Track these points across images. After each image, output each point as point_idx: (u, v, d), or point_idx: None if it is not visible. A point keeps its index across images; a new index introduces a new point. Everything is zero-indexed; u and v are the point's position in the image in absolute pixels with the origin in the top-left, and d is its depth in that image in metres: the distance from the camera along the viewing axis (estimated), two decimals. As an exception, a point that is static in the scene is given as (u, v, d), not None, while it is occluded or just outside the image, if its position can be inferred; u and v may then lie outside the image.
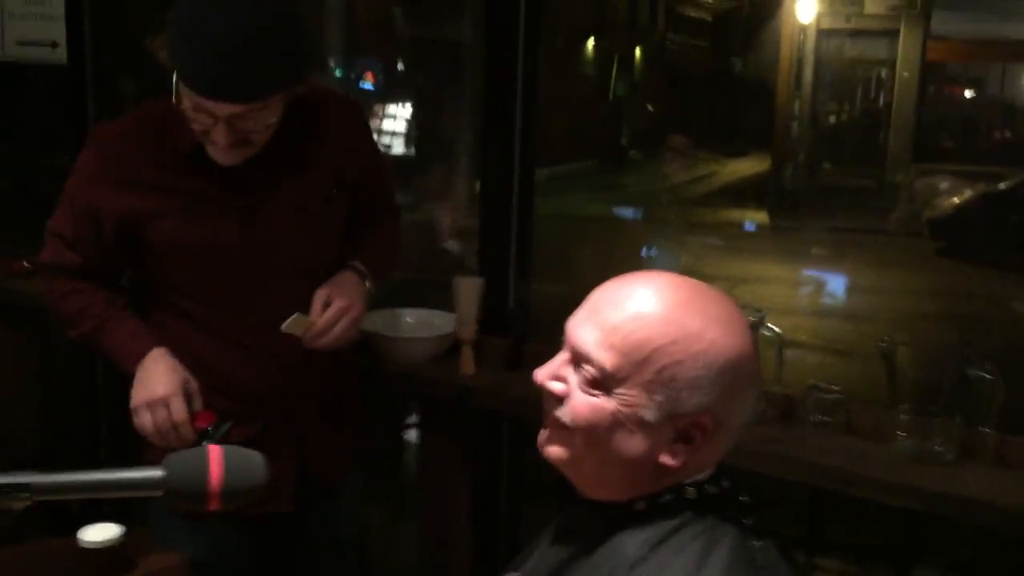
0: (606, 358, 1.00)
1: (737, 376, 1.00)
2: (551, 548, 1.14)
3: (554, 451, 1.07)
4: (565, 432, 1.05)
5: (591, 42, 16.16)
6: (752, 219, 11.69)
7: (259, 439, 1.66)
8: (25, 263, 2.73)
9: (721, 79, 17.65)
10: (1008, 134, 14.68)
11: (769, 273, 8.84)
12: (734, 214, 12.06)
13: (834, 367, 5.58)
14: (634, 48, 17.94)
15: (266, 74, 1.50)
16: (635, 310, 1.00)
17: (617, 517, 1.05)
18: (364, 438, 1.92)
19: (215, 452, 1.07)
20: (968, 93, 16.29)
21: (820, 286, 8.26)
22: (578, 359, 1.03)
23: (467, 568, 2.15)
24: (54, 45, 3.13)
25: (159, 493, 1.06)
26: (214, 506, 1.07)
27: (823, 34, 13.92)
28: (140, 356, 1.65)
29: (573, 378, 1.04)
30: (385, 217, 1.90)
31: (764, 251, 9.95)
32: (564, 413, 1.04)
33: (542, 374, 1.07)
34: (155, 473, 1.05)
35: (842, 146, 14.32)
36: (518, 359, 2.02)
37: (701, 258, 9.24)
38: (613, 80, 17.03)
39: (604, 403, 1.01)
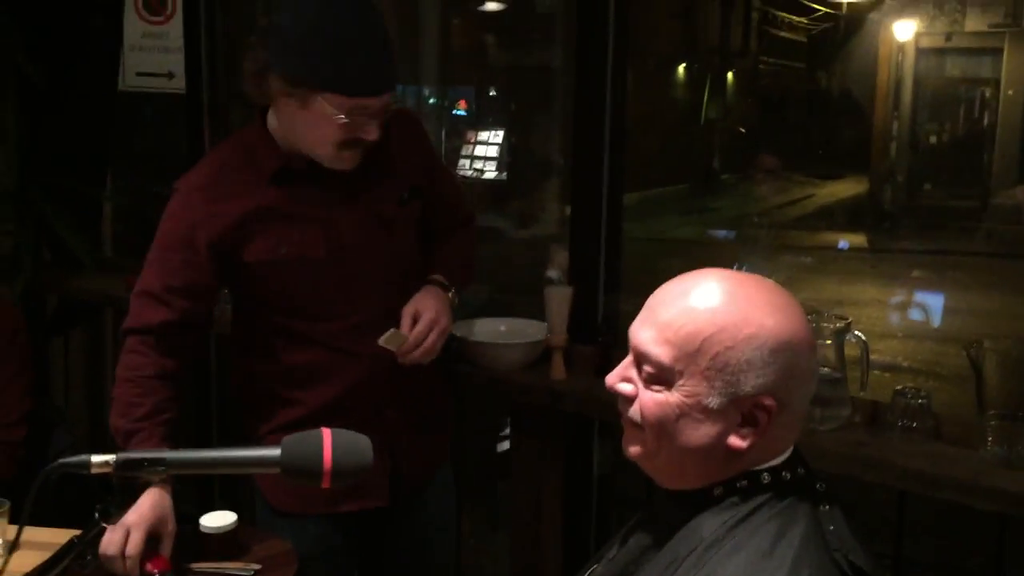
0: (662, 353, 1.07)
1: (791, 356, 1.05)
2: (633, 536, 1.20)
3: (632, 450, 1.13)
4: (638, 430, 1.11)
5: (683, 66, 16.13)
6: (849, 241, 11.49)
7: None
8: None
9: (816, 100, 17.37)
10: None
11: (866, 295, 8.67)
12: (830, 236, 11.86)
13: (933, 390, 5.45)
14: (726, 71, 17.82)
15: (394, 57, 1.63)
16: (684, 305, 1.07)
17: (695, 503, 1.10)
18: (450, 436, 1.99)
19: (327, 434, 1.17)
20: (1078, 110, 15.66)
21: (918, 309, 8.06)
22: (640, 359, 1.10)
23: (558, 572, 2.21)
24: (170, 75, 3.35)
25: (276, 470, 1.16)
26: (326, 484, 1.17)
27: (922, 53, 13.61)
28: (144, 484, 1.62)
29: (638, 379, 1.11)
30: (459, 224, 1.96)
31: (861, 273, 9.76)
32: (634, 412, 1.11)
33: (611, 378, 1.14)
34: (274, 452, 1.16)
35: (943, 167, 13.93)
36: (606, 366, 2.08)
37: (796, 280, 9.12)
38: (705, 103, 16.95)
39: (668, 397, 1.07)
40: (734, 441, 1.06)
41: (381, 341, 1.71)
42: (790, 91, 18.11)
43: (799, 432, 1.12)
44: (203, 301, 1.74)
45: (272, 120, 1.72)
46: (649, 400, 1.09)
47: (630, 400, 1.11)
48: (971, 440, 1.67)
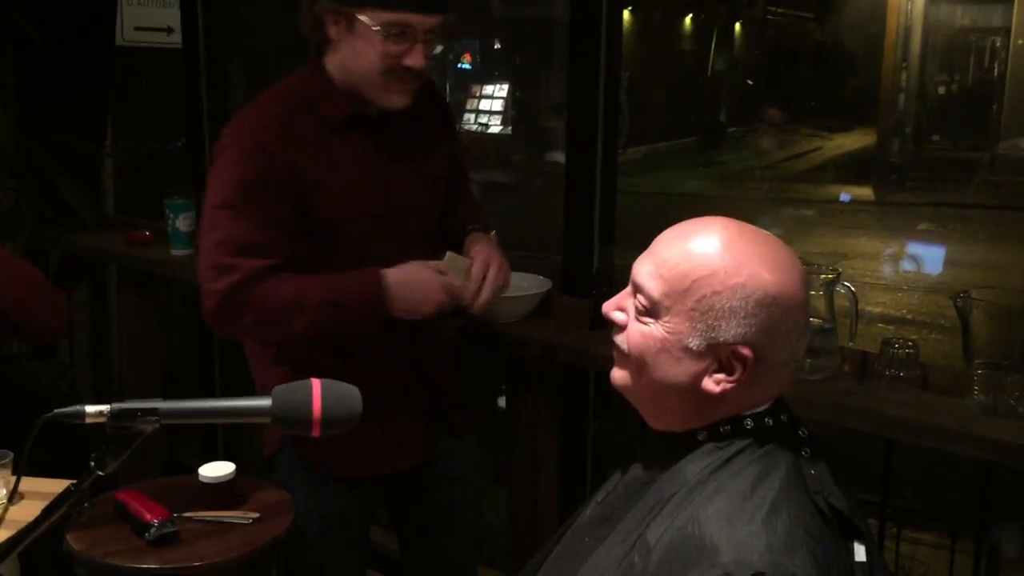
0: (654, 287, 1.10)
1: (776, 311, 1.07)
2: (623, 479, 1.23)
3: (616, 375, 1.18)
4: (624, 358, 1.15)
5: (689, 16, 15.95)
6: (856, 194, 11.44)
7: (398, 399, 1.76)
8: (147, 232, 2.95)
9: (824, 52, 17.17)
10: None
11: (873, 248, 8.66)
12: (838, 189, 11.81)
13: (939, 343, 5.49)
14: (734, 22, 17.61)
15: None
16: (684, 246, 1.10)
17: (681, 446, 1.13)
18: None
19: (316, 384, 1.19)
20: (1090, 60, 15.46)
21: (925, 262, 8.05)
22: (635, 290, 1.14)
23: (554, 522, 2.25)
24: (169, 30, 3.35)
25: (267, 419, 1.19)
26: (316, 432, 1.19)
27: (931, 1, 13.42)
28: (380, 285, 1.64)
29: (632, 309, 1.14)
30: (466, 180, 1.99)
31: (867, 226, 9.74)
32: (621, 340, 1.15)
33: (607, 305, 1.18)
34: (264, 402, 1.18)
35: (952, 118, 13.81)
36: (600, 319, 2.10)
37: (800, 232, 9.11)
38: (712, 55, 16.79)
39: (653, 331, 1.11)
40: (708, 385, 1.09)
41: (446, 261, 1.70)
42: (798, 42, 17.90)
43: (789, 385, 1.13)
44: (292, 248, 1.64)
45: (331, 64, 1.67)
46: (636, 331, 1.13)
47: (621, 329, 1.15)
48: (958, 389, 1.70)
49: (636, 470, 1.21)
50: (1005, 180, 10.90)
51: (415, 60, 1.60)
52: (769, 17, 17.98)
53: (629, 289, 1.15)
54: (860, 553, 1.10)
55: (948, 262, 7.70)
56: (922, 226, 9.43)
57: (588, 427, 2.28)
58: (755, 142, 15.68)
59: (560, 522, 2.20)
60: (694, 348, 1.08)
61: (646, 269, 1.12)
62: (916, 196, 11.05)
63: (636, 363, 1.13)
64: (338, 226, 1.66)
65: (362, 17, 1.56)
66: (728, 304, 1.07)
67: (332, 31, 1.62)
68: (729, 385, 1.08)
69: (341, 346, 1.70)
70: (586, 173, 2.22)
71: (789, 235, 8.79)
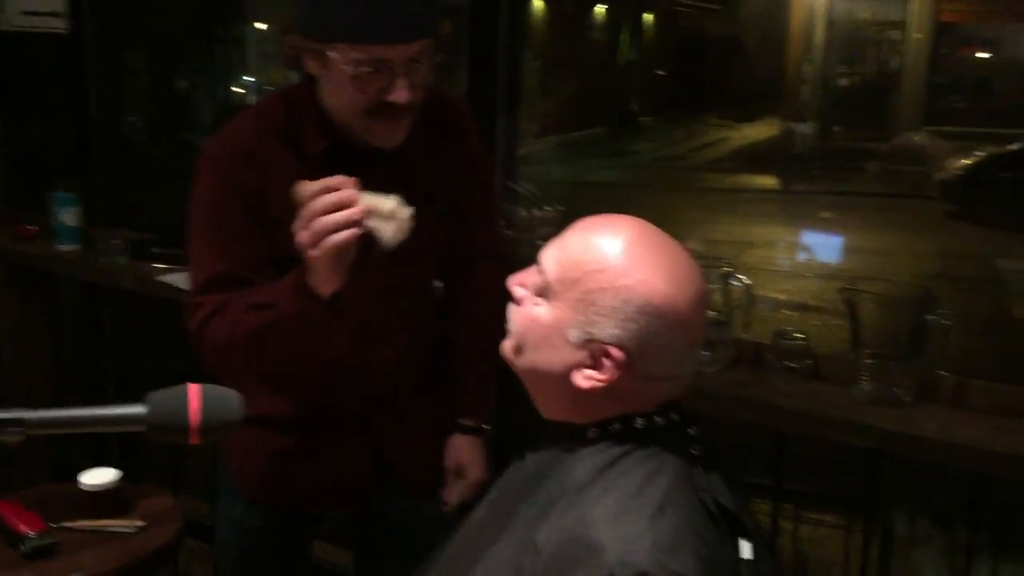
0: (551, 270, 1.11)
1: (657, 322, 1.06)
2: (515, 475, 1.23)
3: (504, 346, 1.18)
4: (511, 333, 1.16)
5: (601, 7, 16.08)
6: (762, 183, 11.70)
7: (330, 442, 1.62)
8: (28, 227, 2.82)
9: (732, 43, 17.50)
10: (1020, 94, 14.53)
11: (776, 236, 8.86)
12: (744, 179, 12.06)
13: (840, 328, 5.64)
14: (644, 13, 17.83)
15: (424, 4, 1.42)
16: (588, 238, 1.10)
17: (572, 442, 1.13)
18: None
19: (193, 389, 1.15)
20: (981, 54, 16.11)
21: (827, 249, 8.28)
22: (538, 269, 1.14)
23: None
24: (58, 15, 3.20)
25: (142, 428, 1.14)
26: (194, 440, 1.14)
27: (833, -4, 13.80)
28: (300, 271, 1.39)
29: (531, 288, 1.15)
30: (490, 211, 1.72)
31: (773, 215, 9.98)
32: (511, 314, 1.16)
33: (512, 279, 1.18)
34: (138, 410, 1.13)
35: (853, 109, 14.23)
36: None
37: (708, 221, 9.28)
38: (623, 45, 16.95)
39: (541, 314, 1.11)
40: (577, 379, 1.09)
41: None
42: (706, 33, 18.21)
43: (680, 389, 1.13)
44: (268, 277, 1.46)
45: (319, 92, 1.49)
46: (525, 310, 1.14)
47: (518, 304, 1.16)
48: (847, 379, 1.73)
49: (529, 465, 1.20)
50: (901, 170, 11.28)
51: (398, 96, 1.40)
52: (678, 8, 18.25)
53: (535, 267, 1.15)
54: (746, 550, 1.11)
55: (848, 249, 7.94)
56: (824, 214, 9.70)
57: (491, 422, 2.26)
58: (666, 131, 15.93)
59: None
60: (572, 339, 1.08)
61: (551, 252, 1.13)
62: (819, 185, 11.35)
63: (517, 339, 1.14)
64: (288, 266, 1.43)
65: (332, 55, 1.39)
66: (611, 303, 1.06)
67: (309, 66, 1.45)
68: (597, 384, 1.08)
69: (284, 385, 1.59)
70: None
71: (697, 223, 8.96)
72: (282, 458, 1.60)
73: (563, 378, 1.10)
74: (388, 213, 1.34)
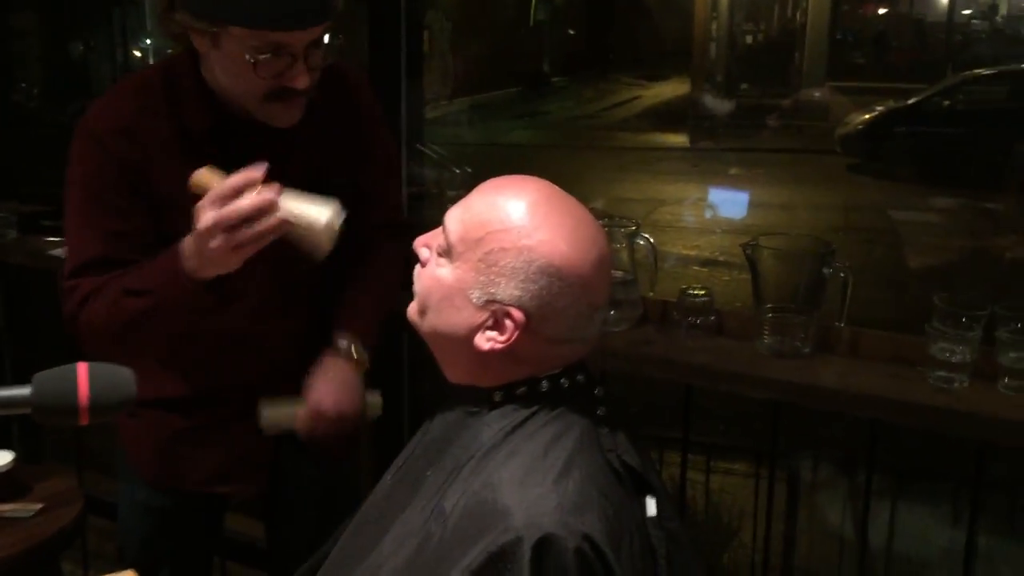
0: (454, 230, 1.09)
1: (558, 284, 1.06)
2: (422, 440, 1.22)
3: (409, 309, 1.16)
4: (416, 295, 1.15)
5: (510, -34, 15.95)
6: (673, 141, 11.85)
7: (225, 420, 1.58)
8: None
9: (640, 2, 17.58)
10: (917, 50, 14.97)
11: (686, 193, 9.00)
12: (656, 137, 12.19)
13: (747, 283, 5.77)
14: (553, -29, 17.74)
15: None
16: (492, 198, 1.09)
17: (478, 406, 1.13)
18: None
19: (82, 368, 1.10)
20: (881, 10, 16.52)
21: (735, 205, 8.43)
22: (442, 229, 1.12)
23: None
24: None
25: (28, 410, 1.09)
26: (84, 421, 1.10)
27: (738, -46, 13.95)
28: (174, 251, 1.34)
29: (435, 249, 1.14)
30: (385, 234, 1.65)
31: (684, 172, 10.12)
32: (417, 276, 1.15)
33: (418, 240, 1.16)
34: (22, 391, 1.08)
35: (759, 66, 14.47)
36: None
37: (620, 180, 9.37)
38: (533, 5, 16.86)
39: (444, 275, 1.10)
40: (478, 340, 1.08)
41: (266, 424, 1.49)
42: (616, -9, 18.24)
43: (585, 351, 1.13)
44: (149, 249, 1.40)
45: (205, 67, 1.42)
46: (429, 272, 1.12)
47: (423, 265, 1.15)
48: (749, 333, 1.77)
49: (436, 430, 1.20)
50: (806, 125, 11.55)
51: (298, 82, 1.35)
52: (586, -33, 18.23)
53: (440, 228, 1.14)
54: (651, 507, 1.12)
55: (755, 204, 8.11)
56: (733, 170, 9.88)
57: (403, 388, 2.26)
58: (578, 91, 15.96)
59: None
60: (474, 300, 1.07)
61: (455, 212, 1.11)
62: (727, 142, 11.54)
63: (422, 303, 1.13)
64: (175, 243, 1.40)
65: (227, 38, 1.32)
66: (512, 264, 1.05)
67: (198, 44, 1.37)
68: (498, 345, 1.07)
69: (172, 361, 1.54)
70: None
71: (609, 182, 9.04)
72: (178, 440, 1.56)
73: (466, 340, 1.09)
74: (316, 226, 1.27)
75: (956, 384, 1.58)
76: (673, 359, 1.74)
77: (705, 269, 6.45)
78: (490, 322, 1.07)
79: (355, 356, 1.55)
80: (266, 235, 1.26)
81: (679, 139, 11.98)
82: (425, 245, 1.15)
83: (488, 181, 1.13)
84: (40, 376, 1.10)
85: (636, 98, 15.39)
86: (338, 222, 1.29)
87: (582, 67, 17.18)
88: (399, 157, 1.93)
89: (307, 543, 1.60)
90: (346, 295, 1.61)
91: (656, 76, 16.23)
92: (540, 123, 13.69)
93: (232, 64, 1.34)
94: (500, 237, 1.06)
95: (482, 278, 1.07)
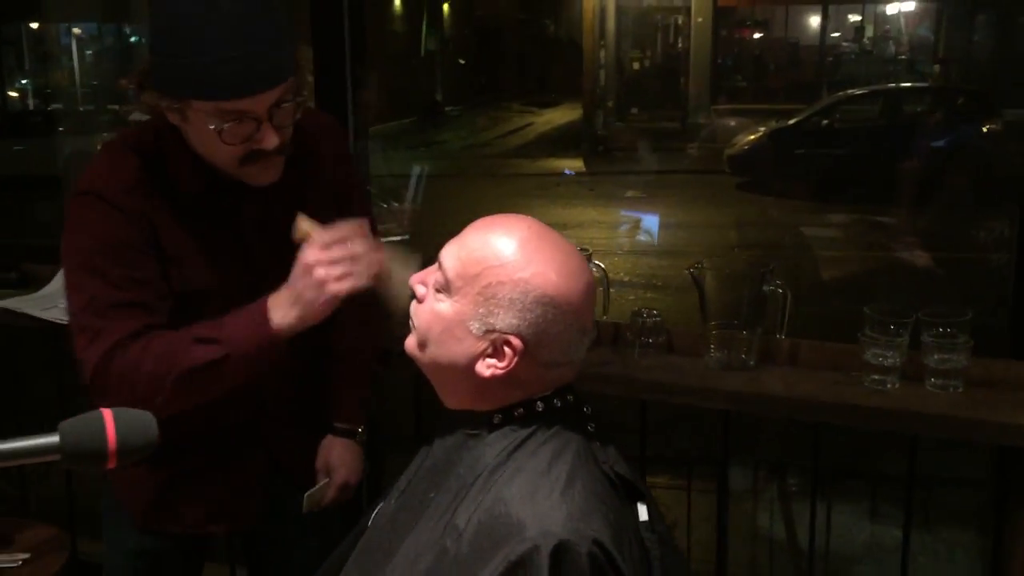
0: (451, 266, 1.18)
1: (552, 311, 1.15)
2: (423, 465, 1.29)
3: (408, 342, 1.24)
4: (415, 329, 1.22)
5: (398, -2, 16.06)
6: (568, 166, 12.10)
7: (220, 460, 1.61)
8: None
9: (530, 31, 17.92)
10: (793, 72, 15.73)
11: (586, 217, 9.20)
12: (551, 163, 12.43)
13: (653, 301, 5.96)
14: (442, 2, 17.93)
15: (279, 39, 1.37)
16: (487, 236, 1.18)
17: (478, 429, 1.21)
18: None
19: (107, 414, 1.15)
20: (756, 35, 17.29)
21: (633, 226, 8.68)
22: (439, 267, 1.21)
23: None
24: None
25: (57, 458, 1.13)
26: (111, 464, 1.15)
27: (621, -16, 14.40)
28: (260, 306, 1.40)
29: (432, 285, 1.21)
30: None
31: (582, 196, 10.35)
32: (414, 311, 1.23)
33: (414, 277, 1.24)
34: (51, 440, 1.12)
35: (647, 91, 14.93)
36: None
37: (520, 206, 9.51)
38: (424, 35, 17.01)
39: (444, 309, 1.18)
40: (480, 368, 1.17)
41: (307, 509, 1.64)
42: (505, 21, 18.55)
43: (574, 373, 1.23)
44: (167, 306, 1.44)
45: (184, 135, 1.46)
46: (428, 307, 1.20)
47: (420, 302, 1.22)
48: (698, 350, 1.90)
49: (436, 455, 1.27)
50: (694, 147, 11.97)
51: (267, 143, 1.39)
52: (474, -3, 18.48)
53: (436, 265, 1.22)
54: (643, 512, 1.22)
55: (656, 225, 8.36)
56: (629, 193, 10.16)
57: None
58: (471, 120, 16.14)
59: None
60: (473, 331, 1.16)
61: (451, 250, 1.20)
62: (622, 165, 11.86)
63: (421, 336, 1.21)
64: (188, 300, 1.47)
65: (191, 112, 1.36)
66: (509, 295, 1.15)
67: (171, 118, 1.41)
68: (498, 371, 1.16)
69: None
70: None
71: (512, 209, 9.09)
72: (176, 481, 1.58)
73: (467, 368, 1.17)
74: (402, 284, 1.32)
75: (889, 385, 1.75)
76: (630, 377, 1.85)
77: (612, 290, 6.62)
78: (490, 350, 1.16)
79: (360, 439, 1.70)
80: (364, 278, 1.35)
81: (575, 163, 12.25)
82: (421, 283, 1.23)
83: (479, 220, 1.22)
84: (66, 424, 1.14)
85: (529, 125, 15.67)
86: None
87: (474, 96, 17.40)
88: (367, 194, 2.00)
89: (302, 570, 1.66)
90: (341, 378, 1.72)
91: (547, 103, 16.56)
92: (437, 153, 13.79)
93: (202, 134, 1.38)
94: (497, 272, 1.15)
95: (481, 310, 1.15)
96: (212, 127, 1.35)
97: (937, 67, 13.10)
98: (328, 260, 1.35)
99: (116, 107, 9.23)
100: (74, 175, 1.70)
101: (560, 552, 1.06)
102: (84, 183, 1.45)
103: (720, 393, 1.80)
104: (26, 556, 1.56)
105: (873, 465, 3.18)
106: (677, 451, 3.23)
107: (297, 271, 1.37)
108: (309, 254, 1.36)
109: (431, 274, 1.22)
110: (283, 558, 1.74)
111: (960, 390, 1.72)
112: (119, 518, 1.64)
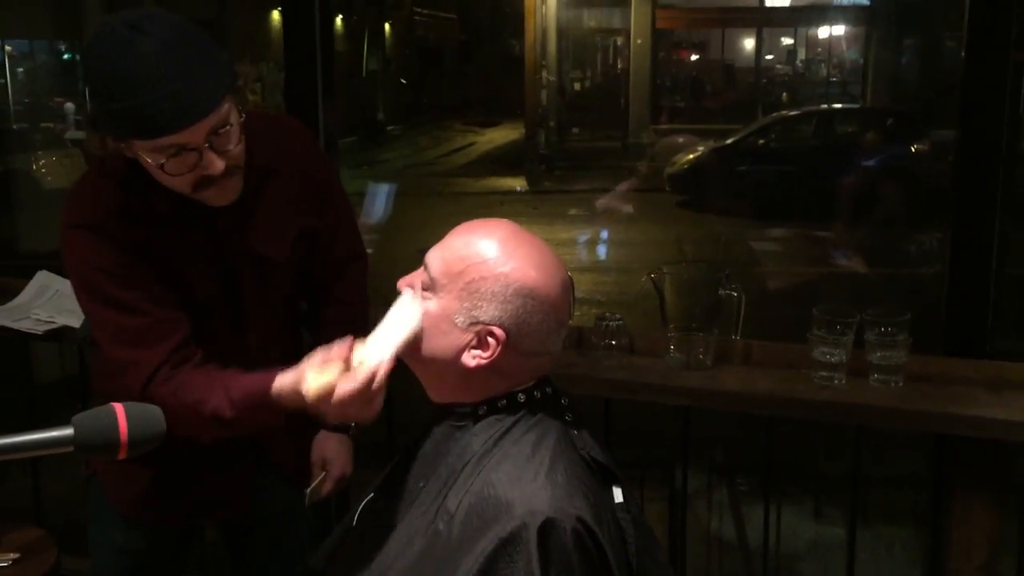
0: (435, 266, 1.28)
1: (531, 304, 1.25)
2: (411, 457, 1.36)
3: None
4: None
5: (339, 18, 16.07)
6: (512, 185, 12.21)
7: (207, 451, 1.63)
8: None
9: (471, 50, 18.05)
10: (729, 93, 16.11)
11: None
12: (495, 181, 12.52)
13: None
14: (383, 23, 17.99)
15: (206, 70, 1.38)
16: (469, 237, 1.28)
17: (464, 421, 1.30)
18: None
19: (119, 408, 1.21)
20: (693, 56, 17.69)
21: (579, 245, 8.80)
22: (425, 268, 1.30)
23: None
24: None
25: (70, 448, 1.18)
26: (123, 455, 1.20)
27: (563, 4, 14.61)
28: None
29: (419, 285, 1.30)
30: (346, 272, 1.78)
31: (526, 214, 10.42)
32: None
33: (402, 280, 1.33)
34: (65, 432, 1.17)
35: (588, 111, 15.16)
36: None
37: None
38: (365, 55, 17.04)
39: (430, 306, 1.27)
40: (466, 359, 1.25)
41: (309, 502, 1.73)
42: (446, 41, 18.66)
43: (552, 364, 1.32)
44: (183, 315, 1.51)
45: None
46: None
47: None
48: (658, 351, 2.01)
49: (425, 447, 1.35)
50: (635, 166, 12.17)
51: (212, 168, 1.41)
52: (416, 18, 18.59)
53: (421, 268, 1.31)
54: (618, 495, 1.32)
55: (599, 242, 8.49)
56: (572, 211, 10.28)
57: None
58: (413, 139, 16.18)
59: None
60: (459, 324, 1.25)
61: (436, 252, 1.29)
62: (564, 184, 12.00)
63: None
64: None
65: (135, 149, 1.41)
66: (491, 289, 1.24)
67: (126, 153, 1.46)
68: (483, 361, 1.24)
69: None
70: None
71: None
72: (168, 475, 1.63)
73: (453, 361, 1.26)
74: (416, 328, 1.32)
75: (836, 381, 1.88)
76: (595, 377, 1.95)
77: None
78: (475, 341, 1.25)
79: (352, 433, 1.76)
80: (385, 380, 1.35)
81: (518, 182, 12.36)
82: (408, 285, 1.32)
83: (461, 225, 1.31)
84: (79, 417, 1.19)
85: (471, 144, 15.76)
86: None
87: (416, 115, 17.45)
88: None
89: (288, 562, 1.73)
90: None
91: (488, 122, 16.67)
92: (380, 172, 13.77)
93: (151, 168, 1.42)
94: (479, 268, 1.24)
95: (465, 304, 1.24)
96: (153, 162, 1.39)
97: (867, 89, 13.54)
98: (362, 399, 1.34)
99: (51, 125, 9.11)
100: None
101: (546, 529, 1.15)
102: (72, 217, 1.49)
103: (681, 390, 1.91)
104: (16, 556, 1.60)
105: (815, 467, 3.33)
106: (631, 456, 3.33)
107: (335, 407, 1.37)
108: (341, 390, 1.34)
109: (416, 277, 1.31)
110: (269, 550, 1.79)
111: (900, 384, 1.86)
112: (106, 516, 1.68)
